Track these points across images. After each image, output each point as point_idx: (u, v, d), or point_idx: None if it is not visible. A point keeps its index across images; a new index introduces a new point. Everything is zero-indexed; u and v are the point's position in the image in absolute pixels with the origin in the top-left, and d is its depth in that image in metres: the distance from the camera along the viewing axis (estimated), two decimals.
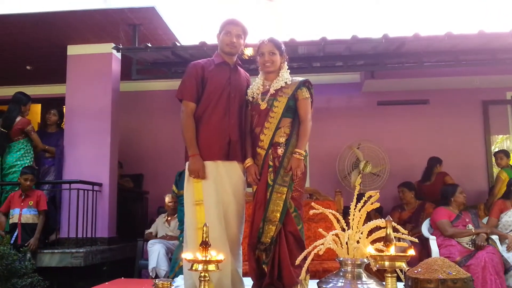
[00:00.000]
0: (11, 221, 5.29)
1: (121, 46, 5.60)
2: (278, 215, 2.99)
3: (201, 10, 6.71)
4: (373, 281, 2.10)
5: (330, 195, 5.07)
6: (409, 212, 5.86)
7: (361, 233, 2.22)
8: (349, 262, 2.13)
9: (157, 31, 5.91)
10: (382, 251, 1.90)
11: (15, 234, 5.13)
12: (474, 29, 4.94)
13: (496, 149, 6.78)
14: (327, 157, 6.79)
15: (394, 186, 6.14)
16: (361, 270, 2.13)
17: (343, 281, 2.10)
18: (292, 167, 3.01)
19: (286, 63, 3.25)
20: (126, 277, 5.18)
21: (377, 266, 1.87)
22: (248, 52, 5.27)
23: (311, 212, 2.47)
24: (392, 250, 1.84)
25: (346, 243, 2.22)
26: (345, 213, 2.78)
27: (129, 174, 7.22)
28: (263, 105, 3.13)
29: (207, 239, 2.09)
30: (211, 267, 2.05)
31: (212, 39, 5.08)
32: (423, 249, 4.93)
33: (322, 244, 2.22)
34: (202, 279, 2.07)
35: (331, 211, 2.38)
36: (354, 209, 2.28)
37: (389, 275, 1.83)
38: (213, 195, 3.03)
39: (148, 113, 7.64)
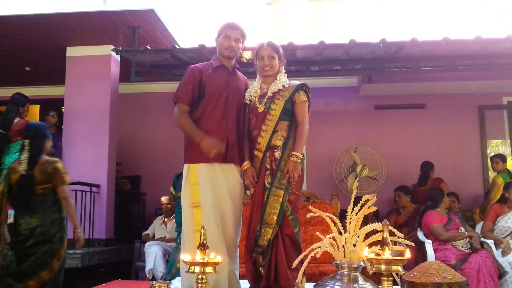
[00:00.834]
0: (8, 221, 5.28)
1: (120, 48, 5.62)
2: (275, 217, 3.00)
3: (200, 13, 6.72)
4: (370, 284, 2.12)
5: (327, 198, 5.09)
6: (405, 216, 5.89)
7: (358, 237, 2.23)
8: (346, 265, 2.15)
9: (156, 33, 5.93)
10: (378, 254, 1.92)
11: None
12: (471, 35, 4.98)
13: (492, 154, 6.82)
14: (324, 160, 6.82)
15: (390, 190, 6.16)
16: (357, 273, 2.14)
17: (340, 284, 2.11)
18: (289, 170, 3.03)
19: (283, 67, 3.28)
20: (123, 278, 5.18)
21: (374, 269, 1.89)
22: (247, 55, 5.29)
23: (309, 215, 2.48)
24: (388, 254, 1.86)
25: (343, 246, 2.24)
26: (342, 217, 2.79)
27: (127, 175, 7.23)
28: (261, 108, 3.15)
29: (205, 241, 2.11)
30: (209, 269, 2.07)
31: (211, 42, 5.11)
32: (419, 253, 4.96)
33: (319, 247, 2.23)
34: (200, 281, 2.09)
35: (328, 214, 2.40)
36: (351, 212, 2.30)
37: (385, 278, 1.85)
38: (210, 198, 3.04)
39: (147, 115, 7.66)
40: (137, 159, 7.40)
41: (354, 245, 2.21)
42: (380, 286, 1.91)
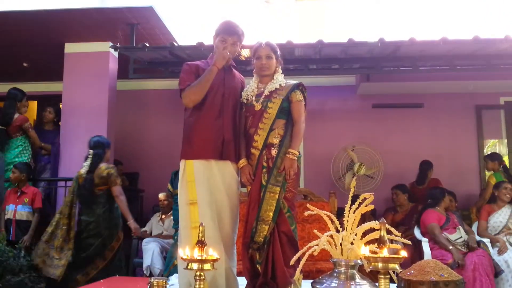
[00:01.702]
0: (5, 217, 5.29)
1: (118, 45, 5.61)
2: (271, 214, 3.01)
3: (199, 10, 6.71)
4: (367, 282, 2.13)
5: (324, 196, 5.10)
6: (402, 214, 5.91)
7: (355, 235, 2.24)
8: (343, 263, 2.16)
9: (155, 30, 5.92)
10: (375, 252, 1.94)
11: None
12: (469, 35, 4.99)
13: (489, 153, 6.85)
14: (322, 158, 6.84)
15: (387, 188, 6.18)
16: (354, 271, 2.15)
17: (337, 282, 2.12)
18: (285, 167, 3.04)
19: (280, 67, 3.30)
20: (121, 275, 5.19)
21: (371, 267, 1.90)
22: (245, 53, 5.30)
23: (306, 213, 2.50)
24: (385, 252, 1.87)
25: (340, 244, 2.25)
26: (339, 215, 2.81)
27: (125, 172, 7.22)
28: (258, 106, 3.16)
29: (203, 239, 2.12)
30: (207, 266, 2.08)
31: (209, 40, 5.11)
32: (416, 251, 4.98)
33: (317, 245, 2.24)
34: (198, 278, 2.10)
35: (325, 212, 2.41)
36: (349, 210, 2.31)
37: (382, 276, 1.86)
38: (207, 195, 3.05)
39: (145, 112, 7.65)
40: (135, 156, 7.39)
41: (352, 243, 2.22)
42: (377, 284, 1.93)
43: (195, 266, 2.08)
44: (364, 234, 2.27)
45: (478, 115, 7.13)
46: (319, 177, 6.86)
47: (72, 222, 4.79)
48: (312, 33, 6.18)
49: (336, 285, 2.11)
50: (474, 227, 5.42)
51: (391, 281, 1.92)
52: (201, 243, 2.10)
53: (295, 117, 3.16)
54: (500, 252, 4.92)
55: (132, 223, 4.81)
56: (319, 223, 4.54)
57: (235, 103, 3.27)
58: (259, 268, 3.04)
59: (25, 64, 7.11)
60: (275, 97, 3.15)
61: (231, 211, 3.17)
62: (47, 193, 5.92)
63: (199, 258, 2.08)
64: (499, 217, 5.23)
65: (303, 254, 2.27)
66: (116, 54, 6.30)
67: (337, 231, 2.31)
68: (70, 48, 6.35)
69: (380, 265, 1.85)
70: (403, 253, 1.87)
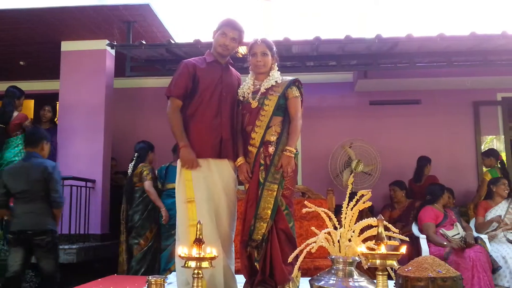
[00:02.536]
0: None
1: (115, 43, 5.60)
2: (269, 212, 3.01)
3: (196, 8, 6.71)
4: (365, 279, 2.13)
5: (322, 193, 5.10)
6: (399, 211, 5.92)
7: (353, 232, 2.24)
8: (341, 260, 2.16)
9: (152, 28, 5.91)
10: (373, 249, 1.94)
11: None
12: (466, 31, 5.00)
13: (486, 149, 6.85)
14: (319, 156, 6.84)
15: (385, 185, 6.19)
16: (352, 268, 2.15)
17: (335, 278, 2.12)
18: (282, 164, 3.04)
19: (276, 64, 3.28)
20: (119, 274, 5.19)
21: (369, 264, 1.90)
22: (242, 50, 5.28)
23: (304, 210, 2.49)
24: (383, 249, 1.87)
25: (338, 241, 2.25)
26: (337, 212, 2.81)
27: (122, 171, 7.21)
28: (254, 104, 3.15)
29: (201, 236, 2.11)
30: (205, 264, 2.07)
31: (206, 37, 5.11)
32: (413, 247, 4.99)
33: (315, 242, 2.24)
34: (196, 276, 2.09)
35: (323, 209, 2.41)
36: (347, 207, 2.31)
37: (380, 273, 1.86)
38: (204, 193, 3.05)
39: (142, 110, 7.64)
40: (132, 154, 7.36)
41: (349, 240, 2.22)
42: (375, 281, 1.93)
43: (193, 264, 2.07)
44: (362, 231, 2.26)
45: (475, 111, 7.14)
46: (316, 174, 6.86)
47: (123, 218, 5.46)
48: (309, 30, 6.18)
49: (334, 282, 2.11)
50: (472, 224, 5.43)
51: (389, 277, 1.92)
52: (199, 241, 2.10)
53: (292, 114, 3.15)
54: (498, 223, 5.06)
55: (163, 211, 5.24)
56: (317, 220, 4.54)
57: (233, 101, 3.26)
58: (257, 266, 3.04)
59: (21, 63, 7.09)
60: (272, 94, 3.14)
61: (229, 209, 3.17)
62: None
63: (197, 256, 2.07)
64: (496, 213, 5.25)
65: (301, 251, 2.27)
66: (112, 52, 6.28)
67: (335, 228, 2.30)
68: (66, 46, 6.34)
69: (378, 261, 1.85)
70: (403, 250, 1.87)
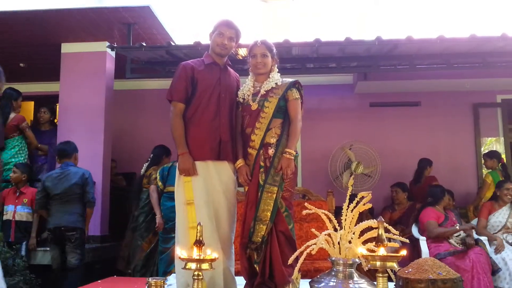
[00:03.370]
0: (4, 218, 5.25)
1: (115, 45, 5.60)
2: (269, 214, 3.01)
3: (196, 10, 6.72)
4: (365, 281, 2.13)
5: (322, 195, 5.10)
6: (399, 213, 5.92)
7: (353, 233, 2.24)
8: (341, 262, 2.15)
9: (152, 30, 5.91)
10: (373, 251, 1.94)
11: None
12: (465, 33, 5.00)
13: (486, 151, 6.86)
14: (319, 157, 6.83)
15: (385, 187, 6.19)
16: (352, 270, 2.15)
17: (335, 280, 2.12)
18: (282, 166, 3.04)
19: (276, 65, 3.28)
20: (119, 275, 5.18)
21: (369, 266, 1.90)
22: (242, 52, 5.29)
23: (304, 212, 2.49)
24: (383, 251, 1.87)
25: (338, 243, 2.25)
26: (337, 213, 2.81)
27: (122, 172, 7.21)
28: (254, 106, 3.15)
29: (201, 238, 2.11)
30: (205, 266, 2.07)
31: (206, 39, 5.10)
32: (413, 249, 4.99)
33: (315, 244, 2.24)
34: (196, 278, 2.09)
35: (323, 211, 2.41)
36: (347, 209, 2.31)
37: (381, 275, 1.86)
38: (204, 195, 3.05)
39: (142, 111, 7.64)
40: (132, 155, 7.37)
41: (350, 242, 2.22)
42: (375, 283, 1.93)
43: (193, 266, 2.07)
44: (362, 232, 2.27)
45: (475, 113, 7.14)
46: (316, 176, 6.86)
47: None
48: (309, 32, 6.19)
49: (334, 284, 2.11)
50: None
51: (389, 279, 1.92)
52: (199, 243, 2.10)
53: (292, 116, 3.15)
54: (497, 251, 4.93)
55: (158, 218, 5.20)
56: (317, 222, 4.54)
57: (232, 103, 3.26)
58: (257, 268, 3.03)
59: (21, 65, 7.09)
60: (272, 96, 3.14)
61: (229, 211, 3.16)
62: None
63: (197, 258, 2.07)
64: (499, 217, 5.24)
65: (301, 253, 2.27)
66: (113, 54, 6.29)
67: (335, 230, 2.31)
68: (67, 48, 6.34)
69: (378, 263, 1.85)
70: (403, 252, 1.87)
